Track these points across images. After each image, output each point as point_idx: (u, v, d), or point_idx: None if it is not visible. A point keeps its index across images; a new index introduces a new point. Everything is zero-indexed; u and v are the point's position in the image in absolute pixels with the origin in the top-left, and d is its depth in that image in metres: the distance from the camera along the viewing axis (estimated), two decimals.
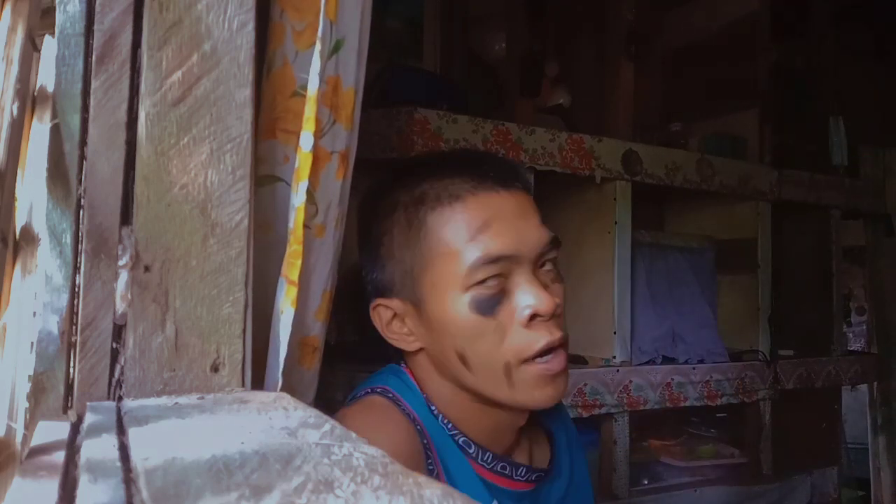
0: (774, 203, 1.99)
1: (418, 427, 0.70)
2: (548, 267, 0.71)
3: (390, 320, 0.73)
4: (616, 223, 1.68)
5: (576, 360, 1.72)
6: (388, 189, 0.74)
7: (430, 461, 0.69)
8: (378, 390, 0.74)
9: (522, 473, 0.75)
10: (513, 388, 0.68)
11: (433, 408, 0.73)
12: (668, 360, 1.77)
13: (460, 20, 2.01)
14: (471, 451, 0.73)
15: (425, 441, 0.70)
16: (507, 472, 0.74)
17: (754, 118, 2.08)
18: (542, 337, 0.67)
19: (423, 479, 0.29)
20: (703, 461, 1.87)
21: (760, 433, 1.93)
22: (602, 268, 1.69)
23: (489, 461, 0.73)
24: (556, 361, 0.68)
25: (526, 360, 0.67)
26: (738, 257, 1.99)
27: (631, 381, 1.66)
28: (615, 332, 1.68)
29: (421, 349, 0.73)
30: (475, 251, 0.67)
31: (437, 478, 0.69)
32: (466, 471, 0.72)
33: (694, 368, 1.77)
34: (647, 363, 1.73)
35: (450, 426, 0.73)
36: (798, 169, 2.06)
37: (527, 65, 1.97)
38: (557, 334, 0.68)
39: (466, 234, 0.67)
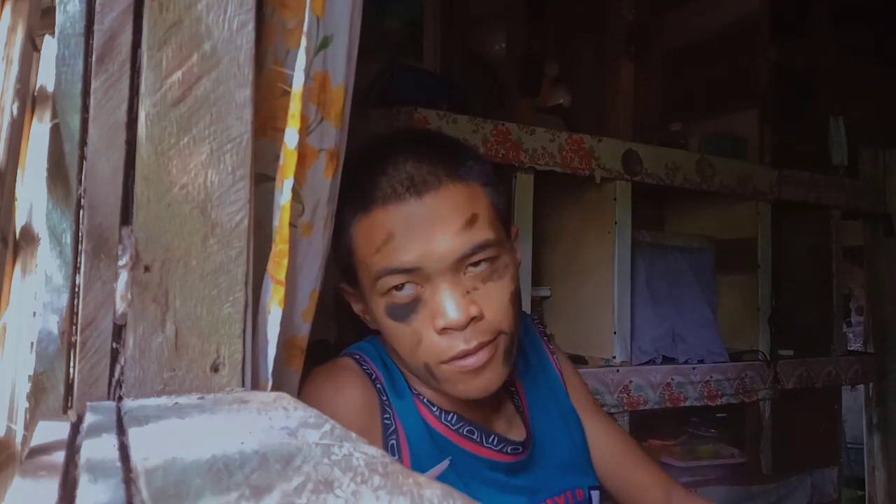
0: (774, 203, 1.99)
1: (378, 385, 0.75)
2: (481, 267, 0.69)
3: (356, 301, 0.78)
4: (616, 223, 1.68)
5: (576, 361, 1.72)
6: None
7: (387, 416, 0.73)
8: (348, 353, 0.80)
9: (494, 442, 0.76)
10: (439, 382, 0.71)
11: (399, 370, 0.77)
12: (668, 360, 1.78)
13: (460, 20, 2.01)
14: (434, 410, 0.75)
15: (385, 398, 0.74)
16: (475, 438, 0.75)
17: (754, 118, 2.08)
18: (456, 345, 0.67)
19: (423, 479, 0.29)
20: (703, 461, 1.87)
21: (760, 433, 1.93)
22: (602, 268, 1.69)
23: (453, 422, 0.75)
24: (473, 360, 0.68)
25: (443, 361, 0.69)
26: (738, 257, 1.99)
27: (631, 381, 1.66)
28: (615, 332, 1.68)
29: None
30: (379, 262, 0.68)
31: (396, 433, 0.72)
32: (423, 426, 0.74)
33: (694, 368, 1.77)
34: (647, 363, 1.73)
35: (413, 388, 0.77)
36: (798, 169, 2.06)
37: (527, 65, 1.97)
38: (474, 342, 0.67)
39: (374, 245, 0.69)
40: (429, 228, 0.67)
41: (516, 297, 0.72)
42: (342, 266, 0.76)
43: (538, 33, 2.08)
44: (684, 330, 1.83)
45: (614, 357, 1.67)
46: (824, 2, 2.36)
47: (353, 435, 0.37)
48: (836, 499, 2.11)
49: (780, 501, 1.93)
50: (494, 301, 0.69)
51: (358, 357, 0.78)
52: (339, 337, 1.56)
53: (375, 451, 0.34)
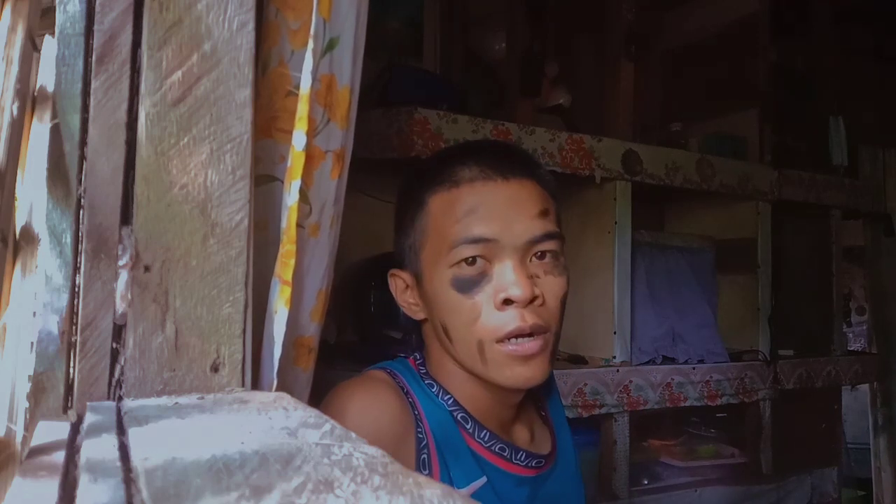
0: (774, 203, 1.99)
1: (411, 400, 0.75)
2: (546, 259, 0.74)
3: (404, 290, 0.79)
4: (616, 223, 1.68)
5: (576, 360, 1.72)
6: (414, 170, 0.81)
7: (420, 430, 0.74)
8: (378, 367, 0.80)
9: (522, 458, 0.78)
10: (486, 364, 0.72)
11: (434, 388, 0.78)
12: (668, 360, 1.78)
13: (460, 20, 2.01)
14: (468, 426, 0.76)
15: (416, 413, 0.75)
16: (505, 455, 0.77)
17: (754, 118, 2.08)
18: (513, 320, 0.70)
19: (423, 478, 0.29)
20: (703, 461, 1.87)
21: (760, 433, 1.93)
22: (602, 268, 1.69)
23: (486, 439, 0.77)
24: (527, 346, 0.71)
25: (499, 341, 0.71)
26: (738, 257, 1.99)
27: (631, 381, 1.66)
28: (615, 332, 1.68)
29: (426, 319, 0.78)
30: (459, 233, 0.72)
31: (427, 448, 0.73)
32: (458, 442, 0.75)
33: (694, 368, 1.77)
34: (647, 363, 1.73)
35: (450, 401, 0.77)
36: (798, 169, 2.06)
37: (527, 65, 1.97)
38: (530, 321, 0.70)
39: (455, 216, 0.73)
40: (509, 207, 0.73)
41: (565, 301, 0.76)
42: (401, 245, 0.79)
43: (538, 33, 2.08)
44: (684, 330, 1.83)
45: (614, 357, 1.67)
46: (824, 2, 2.36)
47: (353, 435, 0.37)
48: (836, 499, 2.11)
49: (780, 501, 1.93)
50: (552, 292, 0.74)
51: (389, 371, 0.79)
52: (339, 337, 1.56)
53: (375, 451, 0.34)
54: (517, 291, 0.70)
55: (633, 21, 1.99)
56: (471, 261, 0.71)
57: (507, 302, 0.70)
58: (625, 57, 1.98)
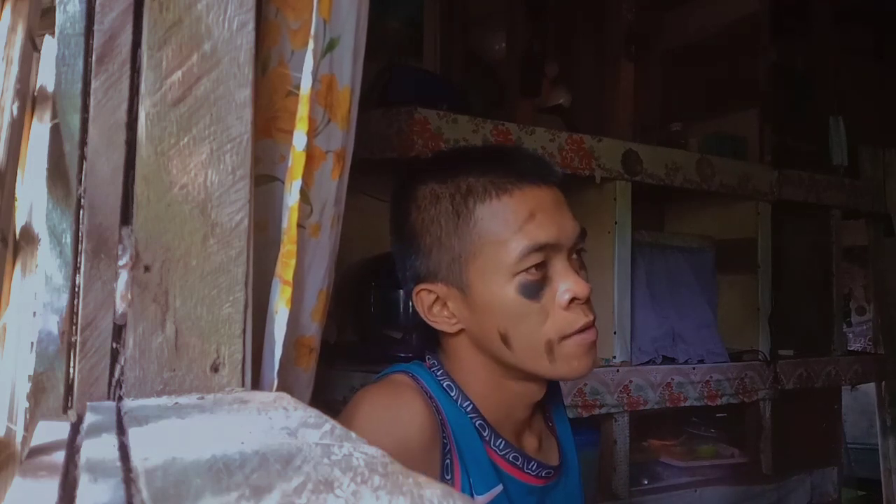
0: (774, 203, 1.99)
1: (434, 405, 0.76)
2: (575, 256, 0.77)
3: (432, 304, 0.78)
4: (616, 223, 1.68)
5: None
6: (424, 181, 0.78)
7: (444, 435, 0.74)
8: (400, 371, 0.80)
9: (534, 468, 0.79)
10: (554, 361, 0.74)
11: (453, 392, 0.78)
12: (668, 360, 1.78)
13: (460, 20, 2.01)
14: (485, 433, 0.77)
15: (440, 417, 0.75)
16: (518, 464, 0.78)
17: (754, 118, 2.08)
18: (580, 318, 0.74)
19: (423, 479, 0.29)
20: (703, 461, 1.87)
21: (760, 433, 1.93)
22: (602, 268, 1.69)
23: (501, 447, 0.78)
24: (590, 333, 0.75)
25: (565, 337, 0.74)
26: (738, 257, 1.99)
27: (631, 381, 1.66)
28: (615, 332, 1.68)
29: (461, 330, 0.78)
30: (523, 240, 0.73)
31: (450, 453, 0.74)
32: (478, 449, 0.76)
33: (694, 368, 1.77)
34: (647, 363, 1.73)
35: (469, 408, 0.77)
36: (798, 169, 2.06)
37: (527, 65, 1.97)
38: (591, 315, 0.75)
39: (514, 224, 0.73)
40: (558, 209, 0.76)
41: None
42: (434, 261, 0.76)
43: (538, 33, 2.09)
44: (684, 330, 1.83)
45: (614, 357, 1.67)
46: (824, 2, 2.36)
47: (353, 435, 0.37)
48: (836, 499, 2.11)
49: (780, 501, 1.93)
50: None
51: (411, 375, 0.79)
52: (339, 337, 1.56)
53: (375, 451, 0.34)
54: (583, 291, 0.73)
55: (633, 21, 1.99)
56: (539, 265, 0.73)
57: (572, 301, 0.73)
58: (625, 57, 1.98)
